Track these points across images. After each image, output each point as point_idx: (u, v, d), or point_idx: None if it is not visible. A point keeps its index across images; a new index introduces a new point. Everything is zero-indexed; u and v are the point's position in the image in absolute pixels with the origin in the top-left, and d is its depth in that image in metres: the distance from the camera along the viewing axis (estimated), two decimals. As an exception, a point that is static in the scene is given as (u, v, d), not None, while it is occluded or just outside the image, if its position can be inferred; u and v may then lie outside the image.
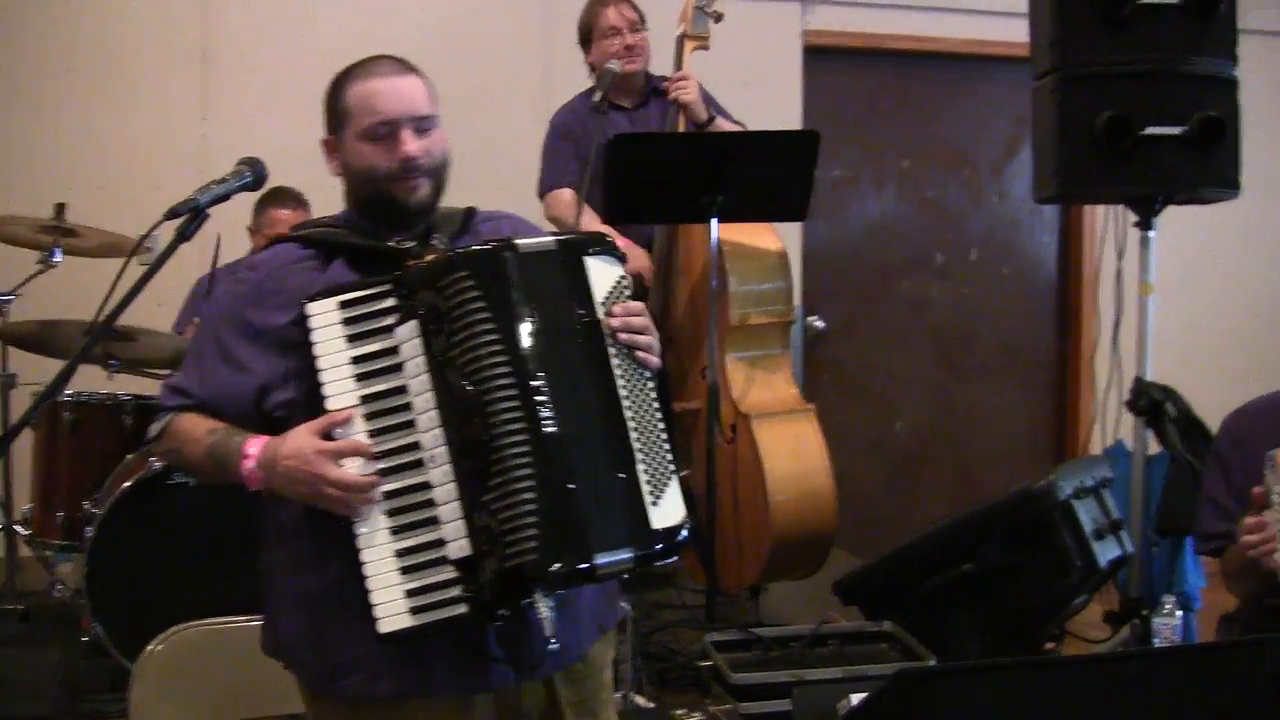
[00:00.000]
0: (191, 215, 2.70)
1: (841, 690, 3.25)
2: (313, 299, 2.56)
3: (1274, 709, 2.60)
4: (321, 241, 2.75)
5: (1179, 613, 4.55)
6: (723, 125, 5.35)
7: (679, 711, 4.07)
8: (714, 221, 4.85)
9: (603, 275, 2.62)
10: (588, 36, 5.49)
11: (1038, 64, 5.02)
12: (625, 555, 2.50)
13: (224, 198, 2.76)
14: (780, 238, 5.31)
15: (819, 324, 6.78)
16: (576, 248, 2.63)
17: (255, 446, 2.56)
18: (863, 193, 7.25)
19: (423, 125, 2.69)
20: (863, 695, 3.19)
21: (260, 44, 6.52)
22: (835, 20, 7.05)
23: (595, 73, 5.44)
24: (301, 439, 2.51)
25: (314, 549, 2.60)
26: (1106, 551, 4.60)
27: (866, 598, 4.72)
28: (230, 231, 4.76)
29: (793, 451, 5.05)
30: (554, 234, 2.66)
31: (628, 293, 2.64)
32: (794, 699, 3.40)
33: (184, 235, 2.70)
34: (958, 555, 4.49)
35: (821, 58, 7.02)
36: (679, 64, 5.34)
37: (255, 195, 3.46)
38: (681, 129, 5.28)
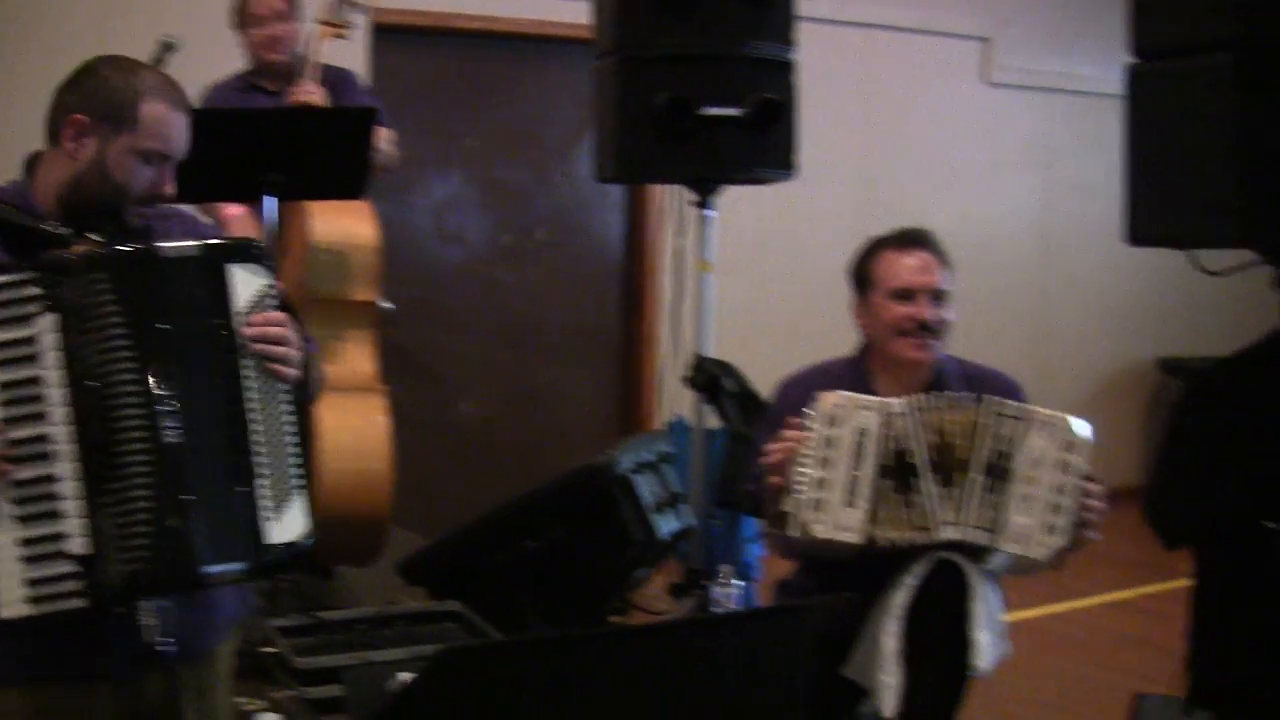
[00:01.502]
0: None
1: (392, 670, 3.25)
2: None
3: (814, 666, 2.71)
4: None
5: (737, 582, 4.67)
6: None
7: (239, 700, 3.98)
8: (270, 200, 4.74)
9: (247, 284, 2.64)
10: (239, 21, 5.49)
11: (599, 45, 5.12)
12: (236, 567, 2.58)
13: None
14: (375, 222, 5.29)
15: (387, 306, 6.73)
16: (221, 255, 2.64)
17: None
18: (428, 173, 7.24)
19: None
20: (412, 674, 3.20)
21: None
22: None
23: (248, 56, 5.52)
24: None
25: None
26: (667, 524, 4.71)
27: (432, 578, 4.72)
28: None
29: (354, 428, 5.07)
30: (205, 239, 2.68)
31: (273, 302, 2.66)
32: (345, 681, 3.36)
33: None
34: (520, 533, 4.53)
35: (389, 37, 6.96)
36: (313, 49, 5.31)
37: None
38: None
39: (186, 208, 3.14)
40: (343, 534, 5.00)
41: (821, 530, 3.39)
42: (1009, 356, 7.94)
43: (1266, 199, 3.41)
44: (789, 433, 3.48)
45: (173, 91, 2.72)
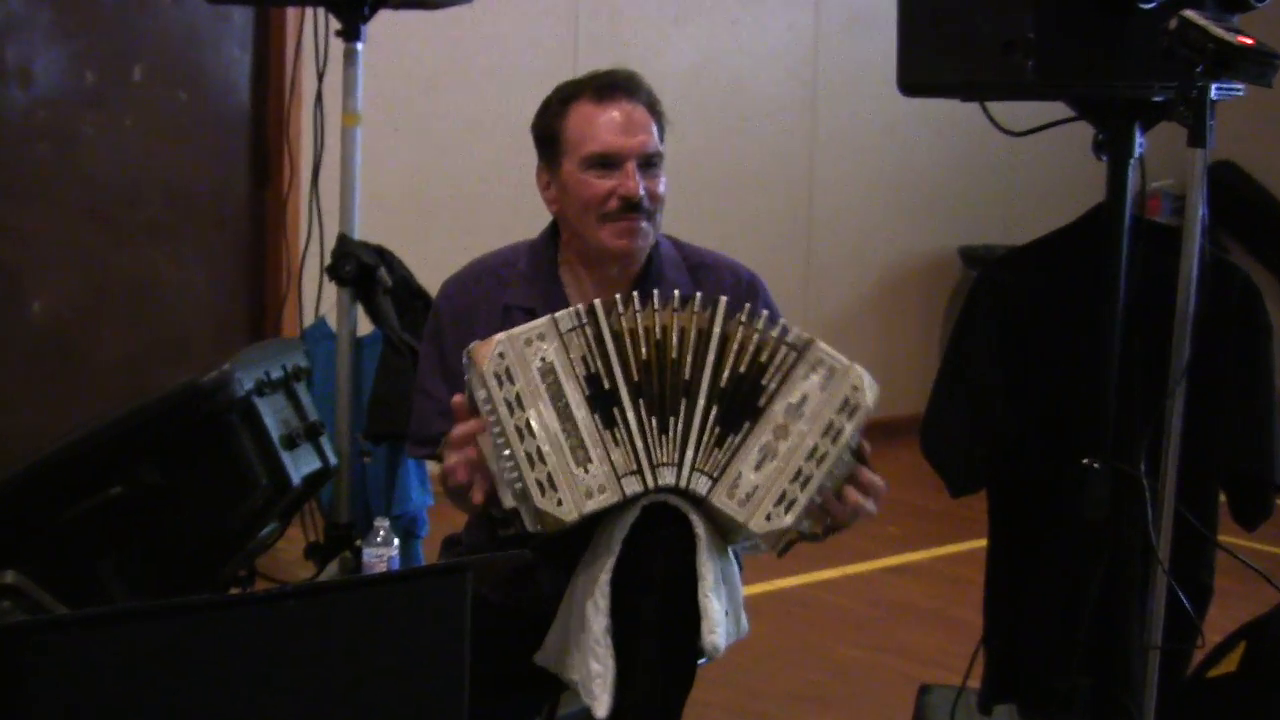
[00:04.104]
0: None
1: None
2: None
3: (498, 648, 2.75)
4: None
5: (396, 541, 4.59)
6: None
7: None
8: None
9: None
10: None
11: None
12: None
13: None
14: None
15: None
16: None
17: None
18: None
19: None
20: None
21: None
22: None
23: None
24: None
25: None
26: (302, 464, 4.66)
27: (-22, 538, 4.59)
28: None
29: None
30: None
31: None
32: None
33: None
34: (102, 476, 4.42)
35: None
36: None
37: None
38: None
39: None
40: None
41: (568, 511, 3.22)
42: (771, 244, 8.12)
43: (1072, 34, 3.45)
44: (461, 429, 3.35)
45: None
